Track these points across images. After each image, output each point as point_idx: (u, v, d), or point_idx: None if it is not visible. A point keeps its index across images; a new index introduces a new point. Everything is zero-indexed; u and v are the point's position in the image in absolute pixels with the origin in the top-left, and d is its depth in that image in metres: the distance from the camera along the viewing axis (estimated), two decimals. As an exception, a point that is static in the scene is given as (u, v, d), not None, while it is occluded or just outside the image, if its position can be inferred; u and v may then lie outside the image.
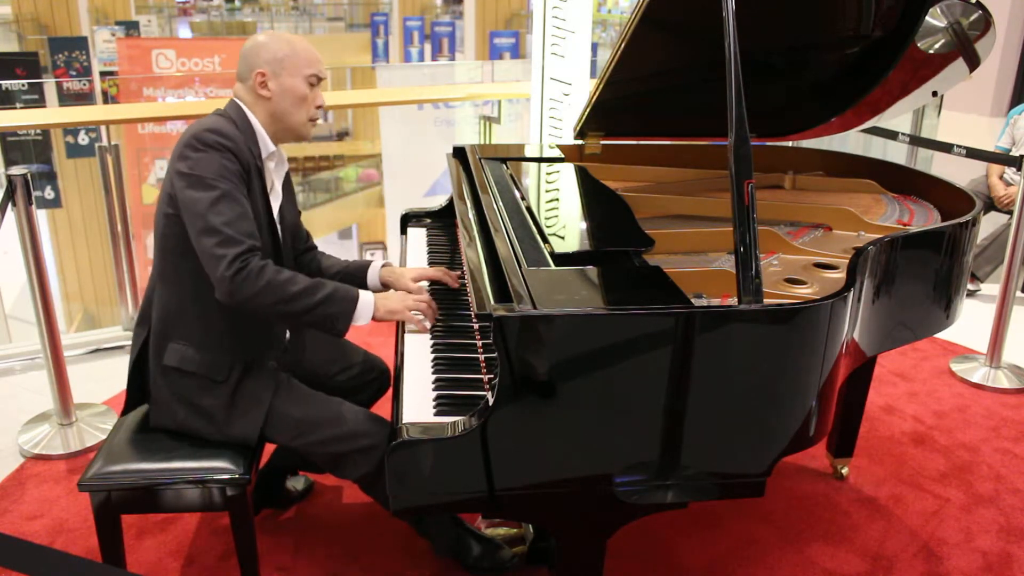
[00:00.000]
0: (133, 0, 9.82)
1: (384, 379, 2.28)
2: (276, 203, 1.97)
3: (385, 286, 2.14)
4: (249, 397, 1.87)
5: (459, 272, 2.18)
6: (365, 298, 1.84)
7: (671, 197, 2.46)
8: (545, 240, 1.79)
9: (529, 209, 2.02)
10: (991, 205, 4.35)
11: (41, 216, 5.41)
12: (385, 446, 1.54)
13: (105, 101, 7.33)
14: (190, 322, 1.86)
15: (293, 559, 2.22)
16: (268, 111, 1.90)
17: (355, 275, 2.16)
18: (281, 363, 2.02)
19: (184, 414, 1.89)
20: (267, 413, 1.87)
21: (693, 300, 1.52)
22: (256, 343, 1.91)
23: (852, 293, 1.66)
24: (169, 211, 1.81)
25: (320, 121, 1.96)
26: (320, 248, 2.25)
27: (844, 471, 2.63)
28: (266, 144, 1.91)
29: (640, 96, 2.55)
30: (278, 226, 1.95)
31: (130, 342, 2.00)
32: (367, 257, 2.30)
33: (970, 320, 3.48)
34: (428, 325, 1.94)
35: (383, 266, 2.16)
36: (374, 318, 1.85)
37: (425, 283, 2.13)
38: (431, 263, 2.36)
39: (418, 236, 2.60)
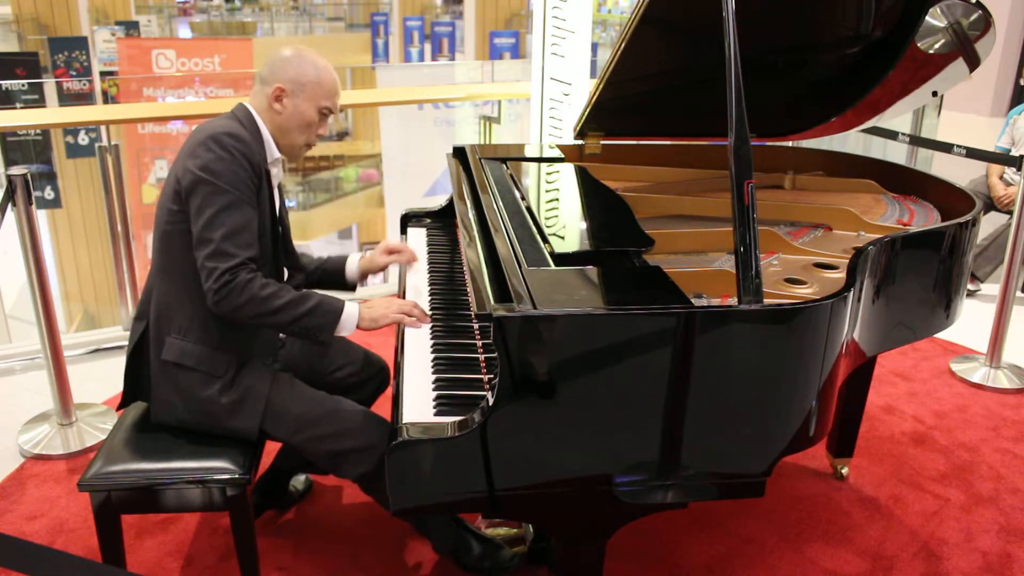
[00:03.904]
0: (133, 0, 9.82)
1: (384, 377, 2.28)
2: (278, 206, 2.01)
3: (363, 275, 2.23)
4: (248, 391, 1.88)
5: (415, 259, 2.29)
6: (349, 310, 1.86)
7: (671, 197, 2.46)
8: (545, 240, 1.79)
9: (529, 209, 2.02)
10: (991, 205, 4.35)
11: (41, 216, 5.41)
12: (384, 446, 1.54)
13: (105, 101, 7.34)
14: (188, 316, 1.87)
15: (293, 559, 2.22)
16: (275, 123, 1.93)
17: (334, 271, 2.23)
18: (280, 361, 2.02)
19: (183, 408, 1.89)
20: (266, 408, 1.88)
21: (693, 300, 1.52)
22: (252, 341, 1.92)
23: (852, 293, 1.66)
24: (174, 207, 1.82)
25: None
26: (320, 250, 2.29)
27: (844, 471, 2.63)
28: (272, 151, 1.94)
29: (640, 96, 2.55)
30: (280, 228, 1.99)
31: (134, 320, 2.00)
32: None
33: (970, 320, 3.48)
34: (420, 326, 1.95)
35: (360, 257, 2.23)
36: (358, 327, 1.88)
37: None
38: (431, 263, 2.36)
39: (418, 236, 2.60)
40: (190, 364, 1.87)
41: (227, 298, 1.75)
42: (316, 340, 1.86)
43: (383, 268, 2.27)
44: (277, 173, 2.00)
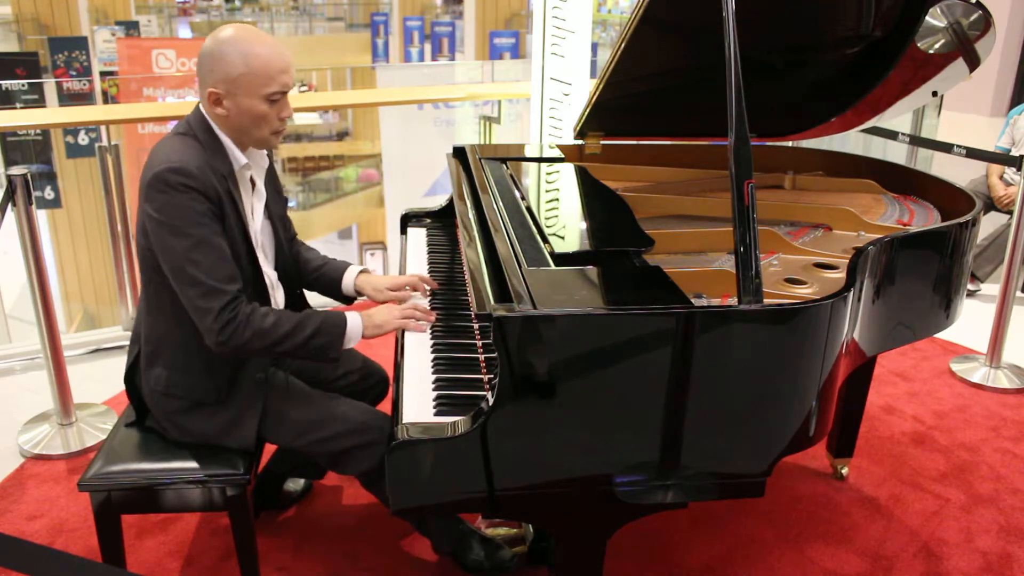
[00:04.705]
0: (133, 0, 9.82)
1: (383, 387, 2.27)
2: (260, 205, 1.92)
3: (359, 293, 2.13)
4: (240, 411, 1.86)
5: (436, 283, 2.17)
6: (353, 321, 1.83)
7: (671, 197, 2.46)
8: (545, 240, 1.79)
9: (529, 209, 2.02)
10: (991, 205, 4.35)
11: (41, 216, 5.41)
12: (386, 441, 1.54)
13: (105, 101, 7.34)
14: (173, 348, 1.85)
15: (293, 559, 2.22)
16: (227, 127, 1.79)
17: (331, 279, 2.13)
18: (279, 367, 2.01)
19: (177, 432, 1.90)
20: (264, 416, 1.87)
21: (693, 300, 1.52)
22: (242, 362, 1.88)
23: (852, 293, 1.66)
24: (143, 242, 1.78)
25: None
26: (320, 249, 2.24)
27: (844, 471, 2.63)
28: (237, 158, 1.81)
29: (640, 96, 2.55)
30: (258, 252, 1.88)
31: (130, 343, 2.00)
32: (367, 257, 2.29)
33: (970, 320, 3.48)
34: (425, 327, 1.94)
35: (360, 272, 2.13)
36: (364, 336, 1.85)
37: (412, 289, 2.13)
38: (431, 263, 2.36)
39: (418, 236, 2.60)
40: (179, 393, 1.85)
41: (233, 336, 1.70)
42: (326, 359, 1.82)
43: (383, 302, 2.07)
44: (254, 172, 1.89)
